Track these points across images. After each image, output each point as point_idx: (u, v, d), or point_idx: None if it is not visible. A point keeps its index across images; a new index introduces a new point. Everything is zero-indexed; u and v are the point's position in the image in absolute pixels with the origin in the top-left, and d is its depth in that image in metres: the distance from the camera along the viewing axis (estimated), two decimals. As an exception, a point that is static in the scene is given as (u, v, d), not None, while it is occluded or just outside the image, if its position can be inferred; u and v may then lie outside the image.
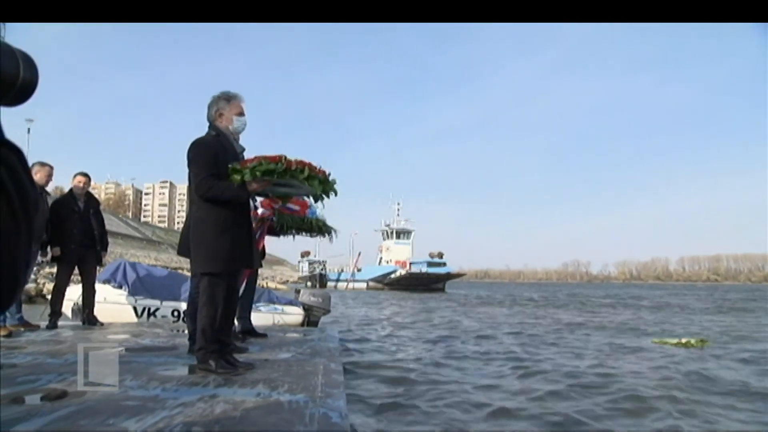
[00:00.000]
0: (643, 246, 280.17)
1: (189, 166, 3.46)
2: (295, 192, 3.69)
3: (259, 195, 3.65)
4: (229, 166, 3.35)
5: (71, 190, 6.27)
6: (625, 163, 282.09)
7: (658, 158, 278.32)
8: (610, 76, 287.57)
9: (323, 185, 3.39)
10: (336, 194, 3.50)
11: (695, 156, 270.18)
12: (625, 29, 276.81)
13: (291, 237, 6.52)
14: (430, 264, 58.50)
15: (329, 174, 3.42)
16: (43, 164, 5.76)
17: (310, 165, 3.30)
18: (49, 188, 6.07)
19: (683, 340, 9.08)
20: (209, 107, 3.63)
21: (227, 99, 3.61)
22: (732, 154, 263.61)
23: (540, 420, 4.00)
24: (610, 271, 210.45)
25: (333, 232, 6.44)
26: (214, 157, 3.39)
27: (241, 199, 3.39)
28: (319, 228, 6.23)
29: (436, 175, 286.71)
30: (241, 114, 3.65)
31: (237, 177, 3.30)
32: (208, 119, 3.63)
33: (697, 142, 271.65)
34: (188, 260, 4.56)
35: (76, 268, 6.24)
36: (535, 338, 9.53)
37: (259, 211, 5.14)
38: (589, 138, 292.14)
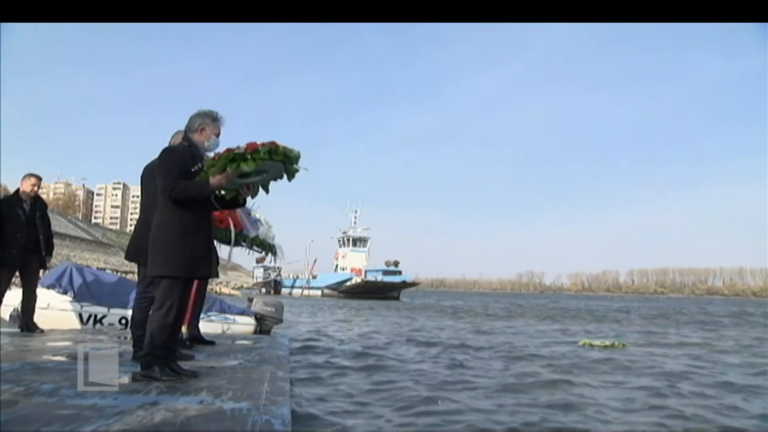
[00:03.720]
0: (594, 258, 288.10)
1: (158, 170, 3.49)
2: (262, 180, 3.51)
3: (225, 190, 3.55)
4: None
5: (17, 191, 6.05)
6: (580, 178, 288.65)
7: (611, 173, 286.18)
8: (571, 91, 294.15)
9: (288, 158, 3.35)
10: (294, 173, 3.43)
11: (645, 171, 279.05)
12: (587, 44, 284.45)
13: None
14: (385, 272, 58.66)
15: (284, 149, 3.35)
16: (28, 175, 5.91)
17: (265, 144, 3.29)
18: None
19: (608, 342, 10.09)
20: (193, 118, 3.69)
21: (214, 119, 3.70)
22: (677, 170, 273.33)
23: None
24: (563, 282, 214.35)
25: (276, 252, 6.38)
26: (183, 164, 3.43)
27: (204, 194, 3.38)
28: (257, 246, 6.14)
29: (394, 184, 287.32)
30: (218, 135, 3.74)
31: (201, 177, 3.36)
32: (187, 129, 3.69)
33: (646, 158, 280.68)
34: (137, 265, 4.51)
35: (18, 272, 6.01)
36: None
37: None
38: (546, 151, 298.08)
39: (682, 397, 5.27)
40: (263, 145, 3.25)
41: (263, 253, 6.27)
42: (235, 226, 5.54)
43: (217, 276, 3.80)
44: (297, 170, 3.43)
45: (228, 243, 5.82)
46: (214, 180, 3.32)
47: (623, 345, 9.99)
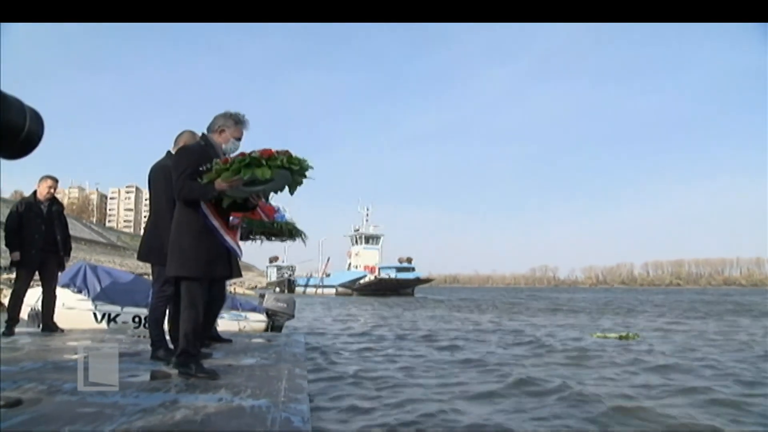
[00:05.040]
0: (609, 251, 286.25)
1: (172, 171, 3.52)
2: (266, 189, 3.47)
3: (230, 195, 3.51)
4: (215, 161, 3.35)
5: (35, 193, 6.14)
6: (593, 171, 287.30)
7: (624, 166, 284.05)
8: (580, 85, 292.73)
9: (301, 168, 3.28)
10: (304, 175, 3.34)
11: (657, 163, 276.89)
12: (596, 38, 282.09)
13: (258, 242, 6.51)
14: (399, 269, 58.60)
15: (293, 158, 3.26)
16: (45, 177, 6.08)
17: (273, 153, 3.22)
18: (7, 194, 6.01)
19: (623, 334, 10.15)
20: (216, 118, 3.67)
21: (236, 121, 3.66)
22: (692, 162, 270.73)
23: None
24: (577, 276, 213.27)
25: (303, 236, 6.46)
26: (195, 163, 3.41)
27: (207, 197, 3.37)
28: (290, 232, 6.25)
29: (406, 181, 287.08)
30: (239, 139, 3.70)
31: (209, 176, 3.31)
32: (208, 128, 3.68)
33: (659, 150, 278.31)
34: (150, 265, 4.53)
35: (37, 273, 6.11)
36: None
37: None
38: (558, 146, 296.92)
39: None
40: (278, 153, 3.20)
41: (288, 240, 6.41)
42: (267, 215, 5.65)
43: (240, 275, 3.81)
44: (301, 183, 3.38)
45: (271, 233, 5.96)
46: (220, 185, 3.28)
47: (636, 336, 10.02)
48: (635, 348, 8.35)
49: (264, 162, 3.17)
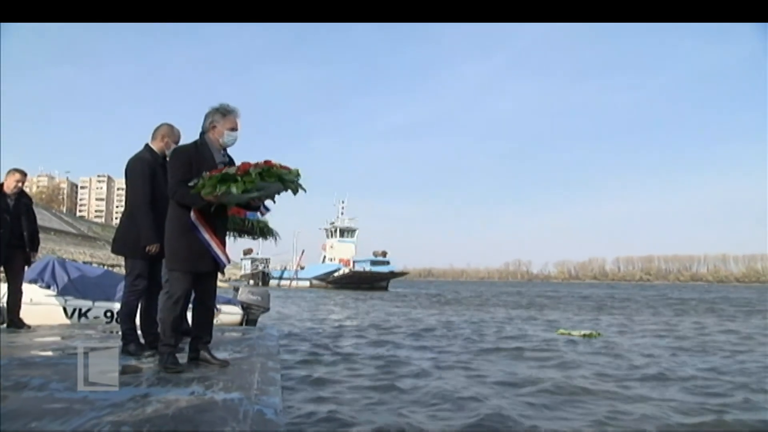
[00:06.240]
0: (581, 246, 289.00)
1: (168, 170, 3.64)
2: (262, 194, 3.53)
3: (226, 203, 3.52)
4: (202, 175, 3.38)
5: (1, 186, 5.96)
6: (567, 167, 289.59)
7: (596, 162, 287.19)
8: (555, 82, 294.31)
9: (283, 180, 3.33)
10: (297, 189, 3.43)
11: (630, 160, 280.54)
12: (574, 33, 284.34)
13: (231, 238, 6.49)
14: (373, 263, 58.72)
15: (286, 168, 3.34)
16: (13, 171, 5.88)
17: (262, 164, 3.26)
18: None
19: (585, 332, 10.43)
20: (205, 117, 3.69)
21: (223, 113, 3.67)
22: (662, 158, 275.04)
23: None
24: (550, 271, 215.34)
25: (275, 236, 6.47)
26: (187, 165, 3.49)
27: (195, 205, 3.43)
28: (261, 231, 6.25)
29: (382, 174, 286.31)
30: (234, 129, 3.70)
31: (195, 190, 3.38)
32: (202, 129, 3.70)
33: (631, 147, 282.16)
34: (124, 258, 4.47)
35: (2, 268, 5.95)
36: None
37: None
38: (532, 141, 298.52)
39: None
40: (256, 165, 3.25)
41: (265, 239, 6.43)
42: (238, 212, 5.66)
43: (222, 273, 3.82)
44: (298, 184, 3.42)
45: (242, 231, 5.99)
46: (207, 197, 3.35)
47: (599, 334, 10.27)
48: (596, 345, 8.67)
49: (239, 178, 3.24)
